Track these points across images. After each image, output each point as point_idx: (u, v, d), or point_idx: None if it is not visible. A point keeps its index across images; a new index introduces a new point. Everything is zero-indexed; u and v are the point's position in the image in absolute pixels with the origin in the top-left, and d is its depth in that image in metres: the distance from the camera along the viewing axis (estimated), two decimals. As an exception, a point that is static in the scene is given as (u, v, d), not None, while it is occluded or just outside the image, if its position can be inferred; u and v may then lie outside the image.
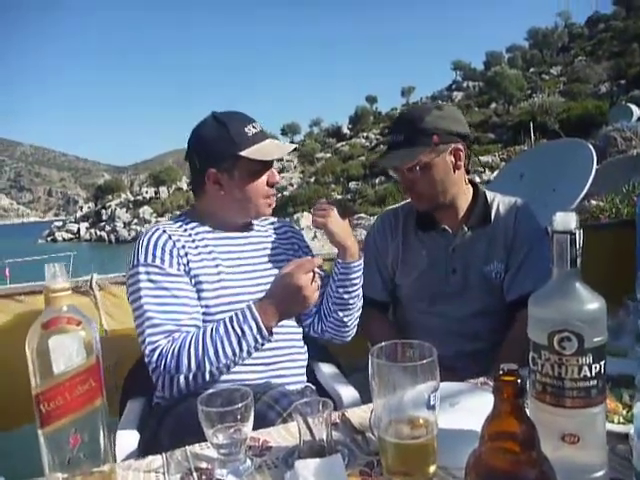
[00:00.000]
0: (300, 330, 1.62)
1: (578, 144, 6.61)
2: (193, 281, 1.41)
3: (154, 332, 1.34)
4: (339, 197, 24.60)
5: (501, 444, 0.61)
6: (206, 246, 1.47)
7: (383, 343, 0.85)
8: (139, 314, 1.37)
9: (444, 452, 0.82)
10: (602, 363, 0.76)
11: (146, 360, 1.35)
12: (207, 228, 1.52)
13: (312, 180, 30.59)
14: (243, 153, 1.42)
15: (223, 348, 1.33)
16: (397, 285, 1.84)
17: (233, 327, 1.34)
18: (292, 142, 51.11)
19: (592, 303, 0.75)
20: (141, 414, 1.52)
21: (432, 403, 0.78)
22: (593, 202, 9.50)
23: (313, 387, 1.58)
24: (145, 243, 1.41)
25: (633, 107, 19.19)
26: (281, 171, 37.12)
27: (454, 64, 56.65)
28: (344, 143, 39.95)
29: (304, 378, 1.58)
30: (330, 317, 1.59)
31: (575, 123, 20.70)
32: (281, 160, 39.95)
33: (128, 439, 1.38)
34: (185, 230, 1.49)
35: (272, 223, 1.68)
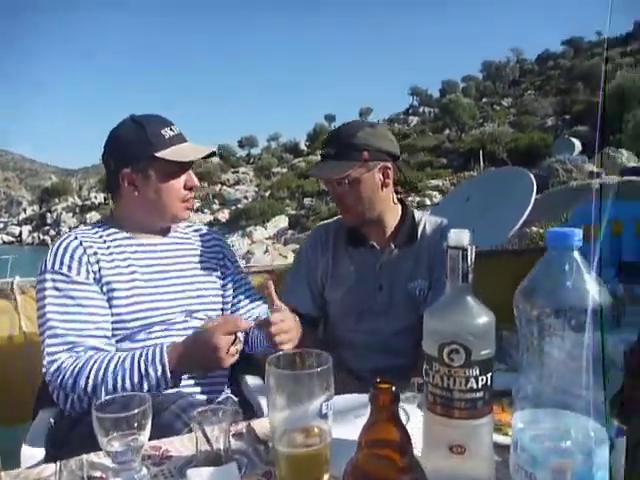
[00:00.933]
0: None
1: (521, 173, 6.89)
2: (104, 289, 1.38)
3: (54, 343, 1.31)
4: (293, 212, 24.60)
5: (376, 451, 0.61)
6: (121, 252, 1.45)
7: (280, 352, 0.85)
8: (42, 322, 1.33)
9: (339, 462, 0.82)
10: (488, 375, 0.79)
11: (43, 371, 1.31)
12: (125, 234, 1.49)
13: (267, 194, 30.48)
14: (159, 154, 1.42)
15: (123, 382, 1.27)
16: (326, 301, 1.86)
17: (139, 365, 1.29)
18: (249, 155, 51.03)
19: (481, 317, 0.78)
20: (54, 421, 1.46)
21: (324, 412, 0.78)
22: (534, 229, 9.88)
23: (235, 398, 1.56)
24: (55, 250, 1.38)
25: (576, 141, 20.18)
26: (236, 183, 36.89)
27: (412, 89, 58.11)
28: (301, 159, 40.13)
29: (225, 389, 1.56)
30: (260, 345, 1.60)
31: (522, 153, 21.52)
32: (237, 172, 39.76)
33: (33, 449, 1.33)
34: (100, 236, 1.46)
35: (196, 230, 1.67)
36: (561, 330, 0.63)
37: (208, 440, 0.88)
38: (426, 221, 1.80)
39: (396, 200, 1.79)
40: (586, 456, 0.62)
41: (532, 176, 6.26)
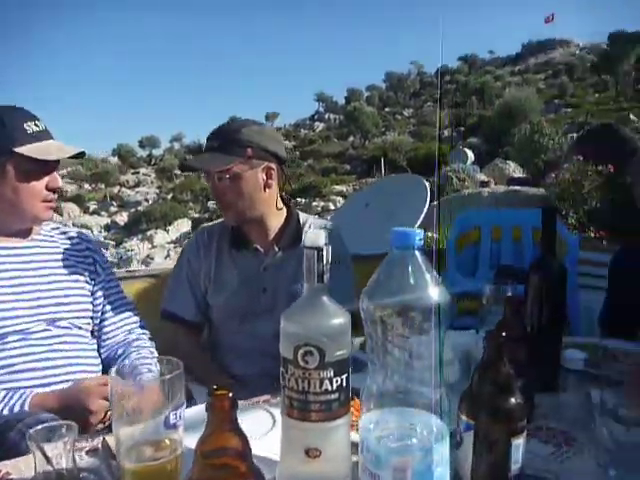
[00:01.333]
0: (95, 354, 1.48)
1: (416, 180, 7.19)
2: None
3: None
4: (197, 215, 24.01)
5: (214, 461, 0.58)
6: None
7: (122, 363, 0.79)
8: None
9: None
10: (344, 377, 0.78)
11: None
12: None
13: (169, 197, 29.55)
14: (18, 149, 1.29)
15: None
16: (210, 305, 1.80)
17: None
18: (150, 156, 49.19)
19: (336, 318, 0.77)
20: None
21: (173, 422, 0.74)
22: (429, 234, 10.38)
23: None
24: None
25: (469, 152, 21.47)
26: (136, 185, 35.41)
27: (317, 96, 59.07)
28: (205, 162, 39.26)
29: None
30: None
31: (421, 162, 22.56)
32: (137, 173, 38.16)
33: None
34: None
35: (64, 233, 1.55)
36: (403, 329, 0.63)
37: (48, 460, 0.80)
38: (311, 224, 1.80)
39: (281, 204, 1.77)
40: (425, 453, 0.63)
41: (427, 183, 6.57)
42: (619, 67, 37.72)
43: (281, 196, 1.77)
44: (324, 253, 0.78)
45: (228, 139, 1.63)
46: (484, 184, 15.88)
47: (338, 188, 22.52)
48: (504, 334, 1.11)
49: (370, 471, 0.65)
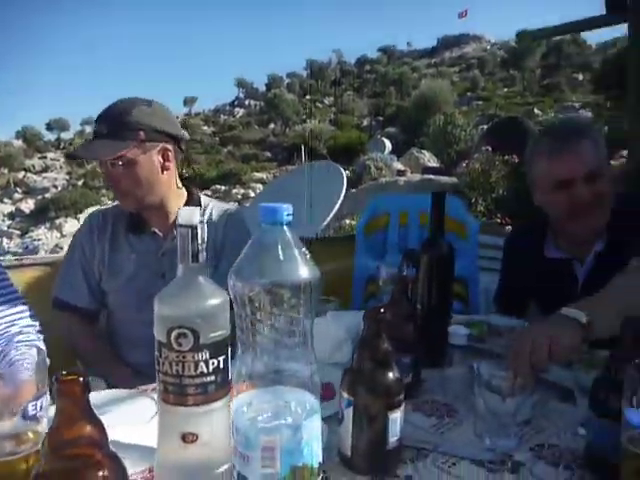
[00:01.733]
0: None
1: (333, 167, 7.26)
2: None
3: None
4: (109, 203, 22.94)
5: (67, 451, 0.54)
6: None
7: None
8: None
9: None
10: (221, 358, 0.76)
11: None
12: None
13: (80, 183, 28.01)
14: None
15: None
16: (105, 292, 1.71)
17: None
18: (59, 140, 46.33)
19: (211, 299, 0.75)
20: None
21: (32, 413, 0.69)
22: (347, 221, 10.54)
23: None
24: None
25: (386, 141, 22.01)
26: (44, 170, 33.25)
27: (237, 81, 58.08)
28: (119, 147, 37.52)
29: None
30: None
31: (340, 150, 22.82)
32: (44, 158, 35.83)
33: None
34: None
35: None
36: (272, 308, 0.62)
37: None
38: (213, 207, 1.76)
39: (180, 184, 1.71)
40: (295, 431, 0.63)
41: (343, 171, 6.66)
42: (526, 63, 39.97)
43: (181, 177, 1.71)
44: (198, 231, 0.75)
45: (117, 123, 1.54)
46: (401, 173, 16.40)
47: (259, 175, 22.34)
48: (393, 313, 1.13)
49: (240, 453, 0.64)
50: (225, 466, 0.78)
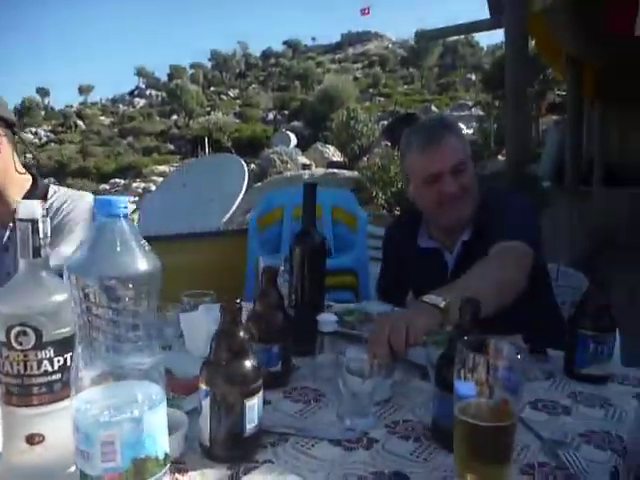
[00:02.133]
0: None
1: (233, 160, 7.18)
2: None
3: None
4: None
5: None
6: None
7: None
8: None
9: None
10: (67, 356, 0.74)
11: None
12: None
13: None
14: None
15: None
16: None
17: None
18: None
19: (54, 295, 0.73)
20: None
21: None
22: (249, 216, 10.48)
23: None
24: None
25: (292, 135, 22.11)
26: None
27: (138, 70, 55.65)
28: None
29: None
30: None
31: (245, 143, 22.64)
32: None
33: None
34: None
35: None
36: (109, 302, 0.61)
37: None
38: (59, 195, 1.69)
39: (22, 169, 1.63)
40: (136, 423, 0.63)
41: (245, 164, 6.60)
42: (424, 62, 41.78)
43: (24, 165, 1.64)
44: (40, 226, 0.73)
45: None
46: (306, 167, 16.57)
47: (161, 168, 21.61)
48: (262, 303, 1.16)
49: (81, 450, 0.63)
50: (72, 468, 0.77)
